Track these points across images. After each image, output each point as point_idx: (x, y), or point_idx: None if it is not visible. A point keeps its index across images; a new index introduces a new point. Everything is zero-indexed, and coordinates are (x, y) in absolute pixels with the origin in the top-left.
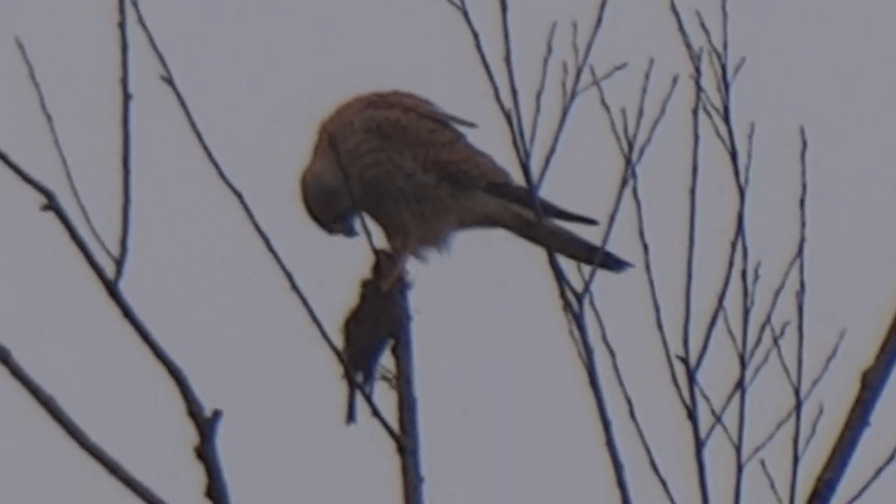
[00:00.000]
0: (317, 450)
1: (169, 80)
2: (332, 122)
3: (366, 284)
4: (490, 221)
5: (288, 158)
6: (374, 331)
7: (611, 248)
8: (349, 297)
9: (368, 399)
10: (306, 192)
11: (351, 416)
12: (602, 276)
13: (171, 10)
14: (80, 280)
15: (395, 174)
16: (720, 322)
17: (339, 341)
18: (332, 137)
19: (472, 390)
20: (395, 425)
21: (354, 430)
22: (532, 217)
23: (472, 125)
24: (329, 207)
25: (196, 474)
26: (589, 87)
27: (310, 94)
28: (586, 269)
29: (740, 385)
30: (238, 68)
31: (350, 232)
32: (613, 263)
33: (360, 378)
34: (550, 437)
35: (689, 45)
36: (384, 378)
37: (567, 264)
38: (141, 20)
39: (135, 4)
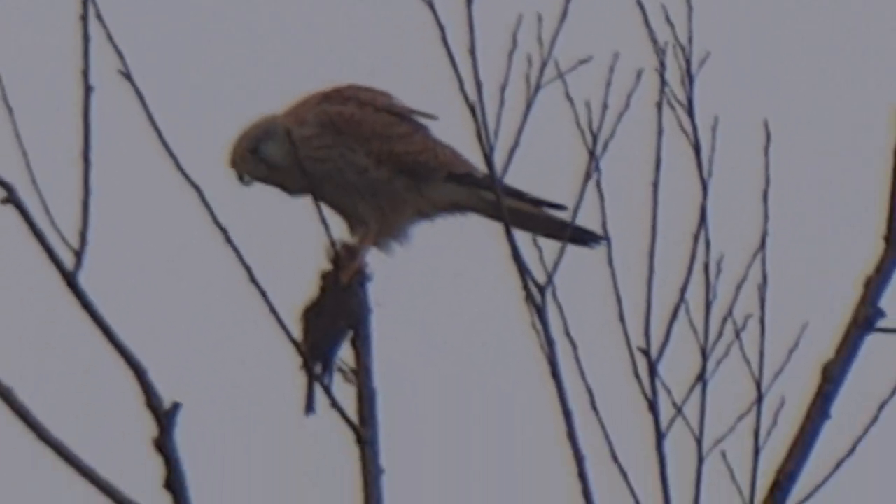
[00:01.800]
0: (276, 441)
1: (127, 76)
2: (288, 118)
3: (325, 276)
4: (456, 208)
5: None
6: (334, 323)
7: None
8: (308, 290)
9: (327, 390)
10: (249, 123)
11: (310, 407)
12: (564, 268)
13: (129, 4)
14: (39, 272)
15: (346, 170)
16: (682, 315)
17: (297, 333)
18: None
19: (432, 382)
20: (354, 417)
21: (314, 422)
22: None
23: (432, 117)
24: (255, 138)
25: (155, 466)
26: (553, 80)
27: (271, 88)
28: (549, 261)
29: (702, 377)
30: (198, 63)
31: (244, 178)
32: (585, 237)
33: (318, 369)
34: (511, 428)
35: (653, 39)
36: (341, 371)
37: (530, 256)
38: (99, 14)
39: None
